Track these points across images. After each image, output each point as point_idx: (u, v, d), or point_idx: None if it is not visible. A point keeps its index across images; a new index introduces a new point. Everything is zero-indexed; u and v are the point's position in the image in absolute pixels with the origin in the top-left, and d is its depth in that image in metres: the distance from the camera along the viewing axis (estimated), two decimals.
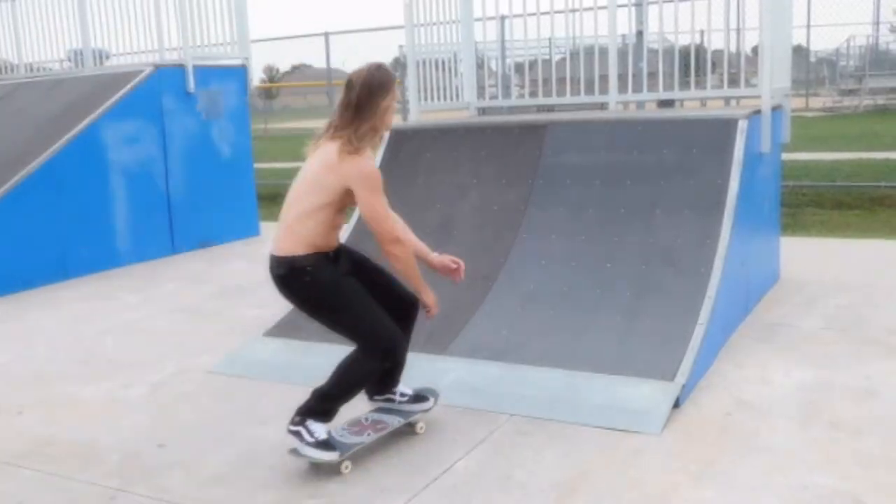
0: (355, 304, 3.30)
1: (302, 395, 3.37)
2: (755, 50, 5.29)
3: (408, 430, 3.62)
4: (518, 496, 3.10)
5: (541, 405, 3.86)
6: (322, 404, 3.32)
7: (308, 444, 3.25)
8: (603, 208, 4.91)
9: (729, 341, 4.60)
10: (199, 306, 6.05)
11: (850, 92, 22.81)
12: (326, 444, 3.27)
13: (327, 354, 4.56)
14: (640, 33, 7.92)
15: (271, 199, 11.87)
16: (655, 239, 4.68)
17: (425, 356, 4.36)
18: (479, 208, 5.23)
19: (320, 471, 3.31)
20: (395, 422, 3.55)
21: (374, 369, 3.37)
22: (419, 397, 3.64)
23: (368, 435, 3.44)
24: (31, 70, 9.65)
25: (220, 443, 3.66)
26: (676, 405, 3.75)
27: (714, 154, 4.81)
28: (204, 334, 5.31)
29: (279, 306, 5.22)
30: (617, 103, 6.28)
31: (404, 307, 3.48)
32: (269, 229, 9.11)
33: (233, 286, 6.58)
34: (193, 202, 8.16)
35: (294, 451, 3.30)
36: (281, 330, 4.87)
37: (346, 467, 3.30)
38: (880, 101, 21.92)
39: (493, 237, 5.04)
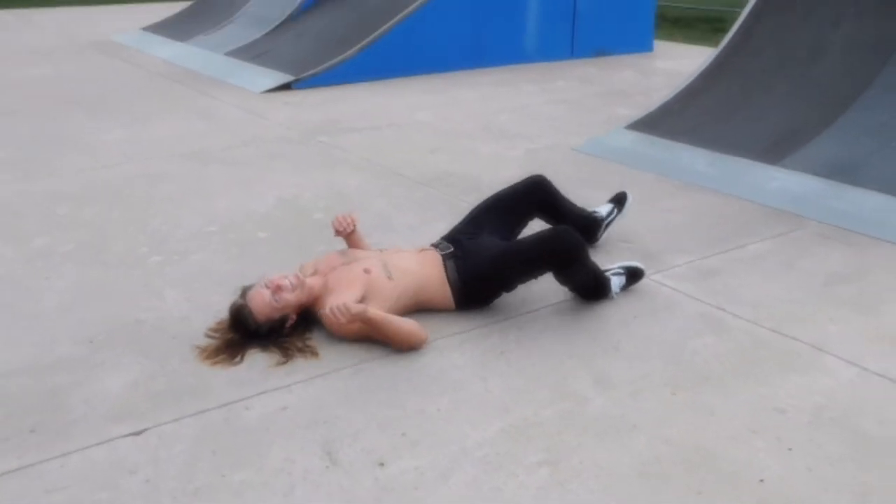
0: None
1: (645, 180, 4.09)
2: None
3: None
4: (793, 277, 3.59)
5: (856, 220, 4.07)
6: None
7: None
8: None
9: None
10: (582, 102, 6.97)
11: None
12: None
13: (672, 150, 5.25)
14: None
15: (674, 23, 12.17)
16: None
17: (759, 165, 4.80)
18: (850, 35, 5.28)
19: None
20: None
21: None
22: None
23: None
24: None
25: None
26: None
27: None
28: (579, 123, 6.25)
29: (647, 111, 5.96)
30: None
31: None
32: (662, 48, 9.60)
33: (616, 90, 7.37)
34: (596, 13, 8.94)
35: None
36: (640, 125, 5.60)
37: None
38: None
39: (859, 63, 5.11)
